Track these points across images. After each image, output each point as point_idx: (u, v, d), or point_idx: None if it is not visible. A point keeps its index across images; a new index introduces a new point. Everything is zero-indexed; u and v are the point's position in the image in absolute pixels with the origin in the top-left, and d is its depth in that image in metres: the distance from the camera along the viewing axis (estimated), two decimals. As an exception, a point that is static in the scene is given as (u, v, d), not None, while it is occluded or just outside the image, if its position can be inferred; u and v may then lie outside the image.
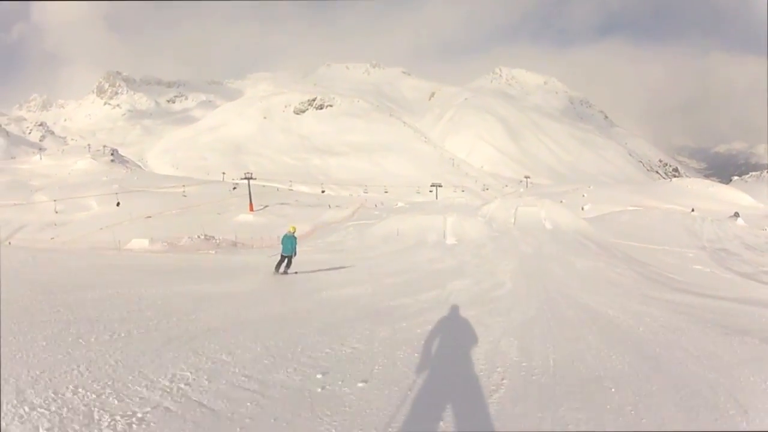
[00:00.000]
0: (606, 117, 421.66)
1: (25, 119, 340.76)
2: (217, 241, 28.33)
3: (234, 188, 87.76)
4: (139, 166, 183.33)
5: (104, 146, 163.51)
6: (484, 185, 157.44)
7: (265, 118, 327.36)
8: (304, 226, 51.09)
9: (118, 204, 67.05)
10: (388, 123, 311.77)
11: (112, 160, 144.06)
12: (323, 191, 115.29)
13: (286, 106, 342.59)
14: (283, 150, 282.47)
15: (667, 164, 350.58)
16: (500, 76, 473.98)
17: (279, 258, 13.65)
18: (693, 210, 57.86)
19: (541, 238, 29.19)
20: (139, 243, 25.65)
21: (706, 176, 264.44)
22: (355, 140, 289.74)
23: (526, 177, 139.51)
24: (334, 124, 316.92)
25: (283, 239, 13.72)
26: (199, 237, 26.91)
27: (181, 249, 24.96)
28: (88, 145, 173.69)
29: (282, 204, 79.44)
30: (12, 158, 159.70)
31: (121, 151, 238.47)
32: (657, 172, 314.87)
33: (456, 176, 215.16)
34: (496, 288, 13.02)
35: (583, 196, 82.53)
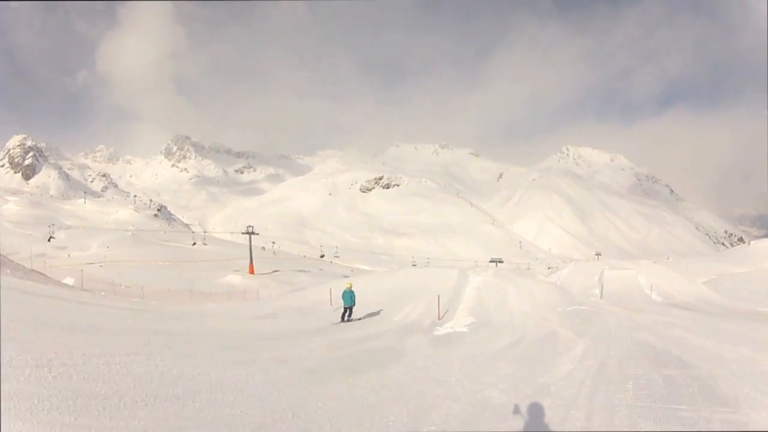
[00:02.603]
0: (672, 192, 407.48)
1: (89, 168, 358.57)
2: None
3: (194, 244, 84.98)
4: (188, 227, 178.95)
5: (150, 200, 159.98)
6: (548, 265, 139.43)
7: (330, 194, 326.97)
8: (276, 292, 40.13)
9: (49, 239, 67.47)
10: (456, 204, 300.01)
11: (156, 215, 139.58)
12: (322, 255, 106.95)
13: (352, 184, 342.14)
14: (347, 227, 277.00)
15: (732, 234, 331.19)
16: (567, 155, 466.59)
17: (342, 310, 15.49)
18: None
19: (680, 316, 15.95)
20: None
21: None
22: (421, 221, 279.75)
23: (597, 254, 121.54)
24: (400, 203, 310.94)
25: (343, 294, 15.55)
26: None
27: None
28: (135, 196, 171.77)
29: (300, 270, 69.41)
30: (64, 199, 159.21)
31: (183, 215, 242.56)
32: (723, 243, 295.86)
33: (523, 258, 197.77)
34: None
35: None
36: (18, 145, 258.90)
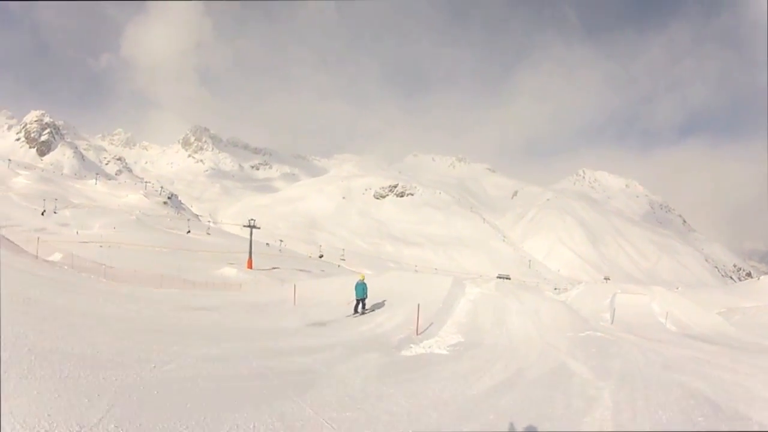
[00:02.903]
0: (684, 222, 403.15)
1: (105, 150, 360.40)
2: None
3: (188, 232, 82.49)
4: (197, 217, 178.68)
5: (161, 187, 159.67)
6: (555, 286, 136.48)
7: (344, 198, 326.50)
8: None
9: (42, 213, 69.15)
10: (468, 218, 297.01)
11: (165, 203, 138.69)
12: (321, 256, 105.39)
13: (366, 189, 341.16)
14: (358, 232, 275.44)
15: (741, 269, 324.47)
16: (583, 177, 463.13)
17: (355, 303, 15.45)
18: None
19: (710, 351, 13.14)
20: None
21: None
22: (432, 232, 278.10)
23: (606, 278, 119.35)
24: (412, 213, 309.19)
25: (355, 286, 15.59)
26: None
27: None
28: (146, 182, 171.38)
29: (300, 270, 66.93)
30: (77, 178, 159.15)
31: (195, 206, 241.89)
32: (731, 277, 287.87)
33: (531, 277, 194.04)
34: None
35: None
36: (35, 121, 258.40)
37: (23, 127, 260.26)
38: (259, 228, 60.70)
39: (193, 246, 70.47)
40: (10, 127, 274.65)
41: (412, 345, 10.24)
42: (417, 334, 11.48)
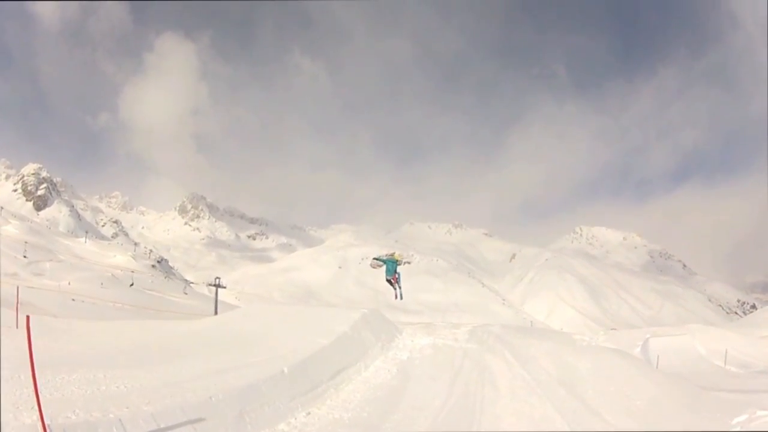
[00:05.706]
0: (684, 266, 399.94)
1: (102, 212, 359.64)
2: None
3: (131, 285, 78.49)
4: (186, 281, 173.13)
5: (151, 250, 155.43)
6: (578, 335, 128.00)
7: (340, 267, 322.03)
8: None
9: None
10: (467, 284, 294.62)
11: (153, 266, 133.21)
12: None
13: (363, 259, 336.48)
14: (355, 301, 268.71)
15: (744, 303, 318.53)
16: (581, 235, 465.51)
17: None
18: None
19: None
20: None
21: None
22: (431, 299, 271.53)
23: (613, 329, 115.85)
24: (410, 281, 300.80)
25: (385, 262, 15.28)
26: None
27: None
28: (135, 244, 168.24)
29: None
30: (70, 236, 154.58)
31: (191, 274, 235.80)
32: (735, 312, 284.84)
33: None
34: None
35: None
36: (32, 174, 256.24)
37: (21, 179, 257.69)
38: (224, 287, 55.58)
39: (162, 306, 65.14)
40: (8, 177, 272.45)
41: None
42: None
